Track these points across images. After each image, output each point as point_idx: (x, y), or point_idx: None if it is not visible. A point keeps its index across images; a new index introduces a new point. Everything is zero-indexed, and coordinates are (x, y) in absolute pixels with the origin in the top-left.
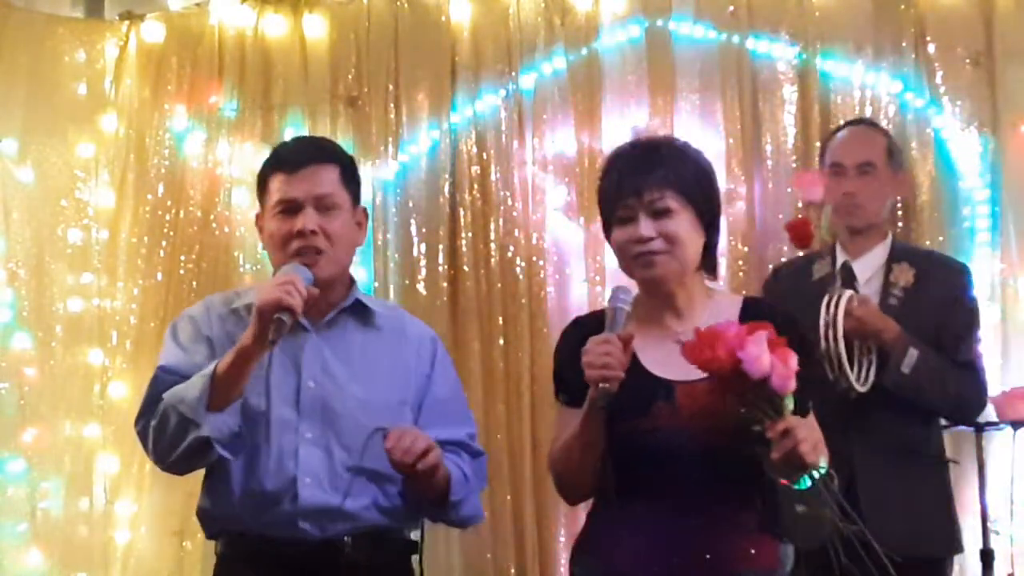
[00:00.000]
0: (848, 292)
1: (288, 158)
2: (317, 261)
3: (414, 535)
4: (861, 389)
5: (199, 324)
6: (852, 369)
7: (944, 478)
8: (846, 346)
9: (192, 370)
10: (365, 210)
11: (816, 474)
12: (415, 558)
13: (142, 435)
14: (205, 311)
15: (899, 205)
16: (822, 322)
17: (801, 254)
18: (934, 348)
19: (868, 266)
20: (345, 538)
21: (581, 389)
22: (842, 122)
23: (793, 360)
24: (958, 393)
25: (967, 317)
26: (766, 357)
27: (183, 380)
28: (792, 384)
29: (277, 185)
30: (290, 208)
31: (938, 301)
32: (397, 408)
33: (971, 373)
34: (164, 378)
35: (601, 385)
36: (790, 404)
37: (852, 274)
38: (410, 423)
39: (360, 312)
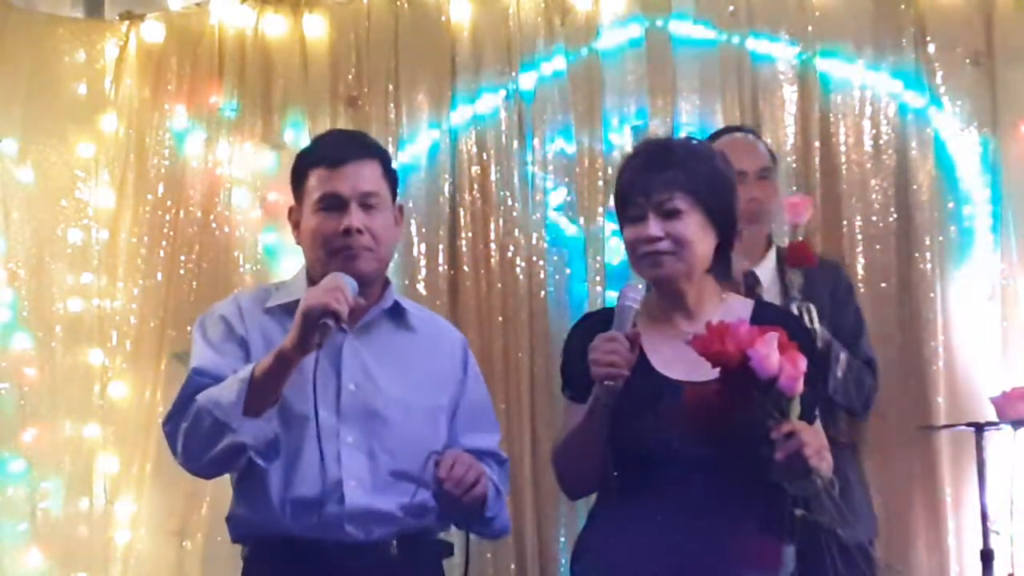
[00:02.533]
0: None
1: (330, 152)
2: (362, 258)
3: (443, 535)
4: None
5: (231, 323)
6: None
7: (857, 462)
8: None
9: (226, 372)
10: (402, 207)
11: (818, 480)
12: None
13: (171, 436)
14: (237, 310)
15: (892, 210)
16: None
17: None
18: None
19: (766, 272)
20: (392, 541)
21: (586, 385)
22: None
23: (802, 363)
24: (869, 390)
25: (855, 314)
26: (775, 357)
27: (217, 382)
28: (799, 387)
29: (319, 180)
30: (333, 204)
31: (826, 302)
32: (435, 412)
33: (872, 370)
34: (197, 380)
35: (606, 383)
36: (796, 407)
37: (757, 280)
38: (445, 428)
39: (396, 313)
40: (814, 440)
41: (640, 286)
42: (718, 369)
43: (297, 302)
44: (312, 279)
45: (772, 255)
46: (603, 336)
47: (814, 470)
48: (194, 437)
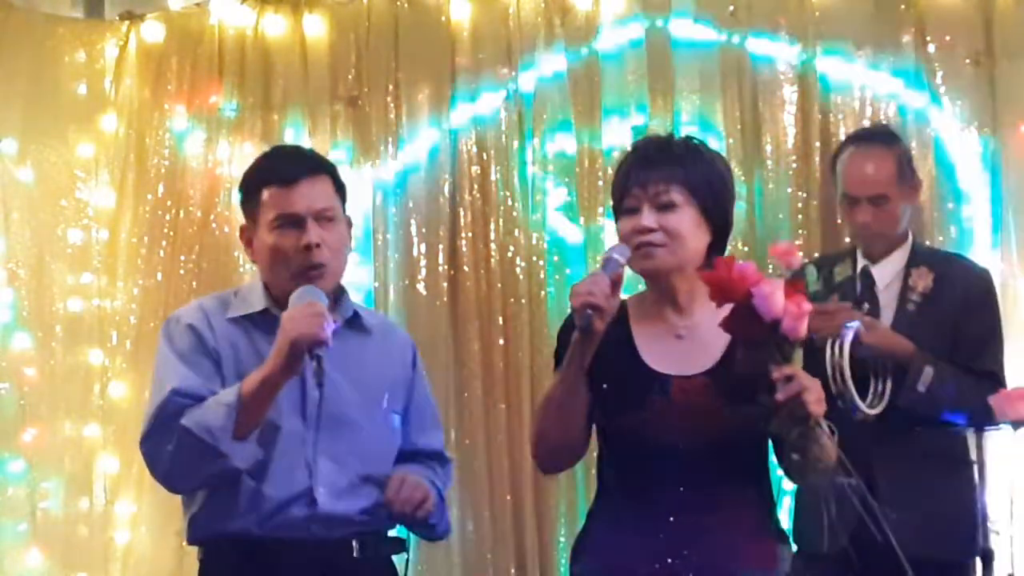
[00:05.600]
0: (853, 326)
1: (281, 171)
2: (323, 275)
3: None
4: (873, 413)
5: (201, 334)
6: (868, 389)
7: (965, 480)
8: (860, 365)
9: (203, 390)
10: (349, 218)
11: (816, 427)
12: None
13: (151, 456)
14: (204, 318)
15: None
16: (828, 364)
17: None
18: (951, 357)
19: (887, 271)
20: (352, 540)
21: None
22: (848, 134)
23: (807, 306)
24: (978, 404)
25: (986, 324)
26: (780, 297)
27: (196, 401)
28: (803, 330)
29: (273, 199)
30: (290, 223)
31: (956, 307)
32: (394, 414)
33: (991, 384)
34: (177, 401)
35: (585, 312)
36: (799, 355)
37: (871, 279)
38: (400, 429)
39: (353, 319)
40: (814, 386)
41: (626, 247)
42: (726, 309)
43: (260, 313)
44: (271, 294)
45: (900, 253)
46: (586, 276)
47: (813, 416)
48: (182, 461)
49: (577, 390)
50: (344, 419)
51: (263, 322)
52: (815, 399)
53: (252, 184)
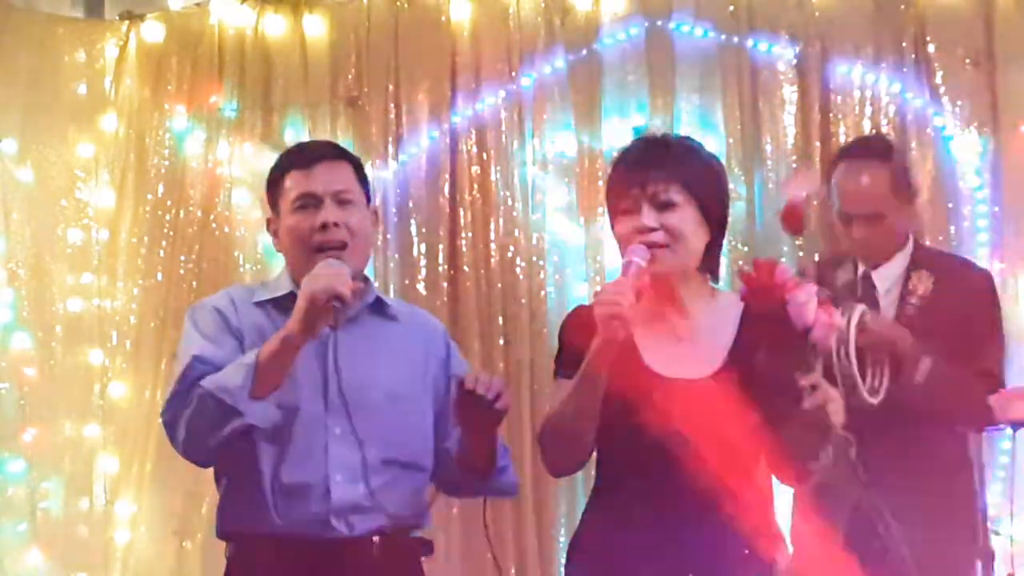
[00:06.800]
0: (860, 307)
1: (302, 156)
2: (340, 255)
3: (422, 533)
4: (873, 401)
5: (226, 316)
6: (864, 381)
7: (965, 481)
8: (858, 355)
9: (225, 362)
10: (376, 209)
11: (836, 437)
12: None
13: (171, 425)
14: (230, 302)
15: None
16: (835, 342)
17: (830, 255)
18: (950, 359)
19: (888, 276)
20: (374, 538)
21: (581, 363)
22: (843, 144)
23: (839, 319)
24: (977, 401)
25: (985, 324)
26: (813, 306)
27: (217, 369)
28: (832, 341)
29: (293, 182)
30: (309, 203)
31: (956, 308)
32: (421, 398)
33: (989, 381)
34: (199, 367)
35: (612, 322)
36: (820, 364)
37: (872, 284)
38: (431, 414)
39: (377, 307)
40: (837, 397)
41: (645, 248)
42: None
43: (286, 296)
44: (296, 279)
45: (901, 257)
46: (610, 282)
47: (834, 426)
48: (199, 423)
49: (595, 396)
50: (364, 402)
51: (287, 305)
52: (836, 410)
53: (276, 173)
